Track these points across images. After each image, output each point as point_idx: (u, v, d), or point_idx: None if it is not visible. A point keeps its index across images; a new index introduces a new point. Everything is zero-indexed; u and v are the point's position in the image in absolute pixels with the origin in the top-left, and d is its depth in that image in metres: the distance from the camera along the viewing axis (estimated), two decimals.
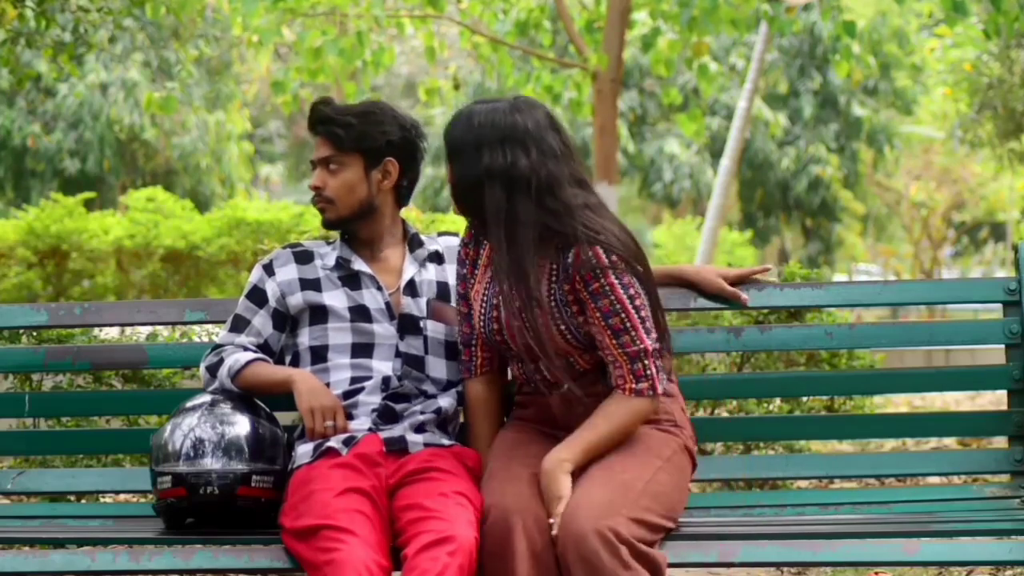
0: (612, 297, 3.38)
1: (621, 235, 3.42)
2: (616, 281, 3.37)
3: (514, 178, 3.38)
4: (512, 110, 3.43)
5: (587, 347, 3.46)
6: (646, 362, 3.40)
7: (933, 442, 7.95)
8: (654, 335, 3.41)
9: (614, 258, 3.37)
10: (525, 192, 3.38)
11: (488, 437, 3.60)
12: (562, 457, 3.36)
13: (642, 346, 3.39)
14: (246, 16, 11.76)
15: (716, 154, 24.63)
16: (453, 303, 3.73)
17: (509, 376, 3.68)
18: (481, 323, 3.54)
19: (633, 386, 3.41)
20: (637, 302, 3.39)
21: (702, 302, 3.87)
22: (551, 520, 3.28)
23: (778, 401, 5.17)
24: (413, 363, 3.66)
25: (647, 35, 12.71)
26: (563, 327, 3.43)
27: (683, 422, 3.58)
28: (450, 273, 3.77)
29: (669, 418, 3.54)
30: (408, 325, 3.68)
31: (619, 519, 3.23)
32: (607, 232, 3.39)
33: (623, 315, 3.38)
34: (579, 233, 3.37)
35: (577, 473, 3.37)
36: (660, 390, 3.43)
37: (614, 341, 3.39)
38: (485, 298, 3.54)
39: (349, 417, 3.58)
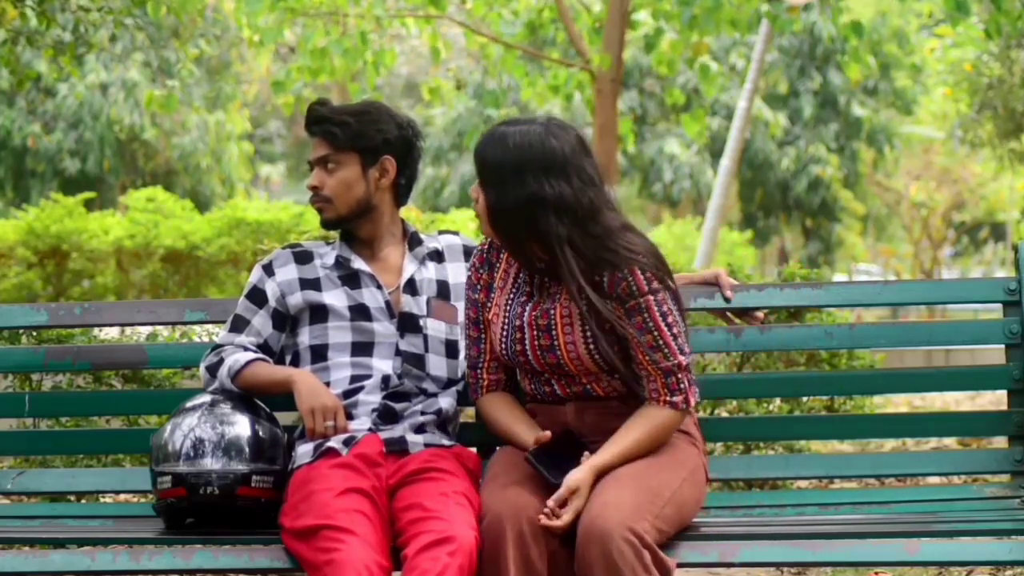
0: (647, 315, 3.41)
1: (654, 251, 3.46)
2: (652, 299, 3.41)
3: (562, 207, 3.38)
4: (547, 135, 3.41)
5: (611, 370, 3.47)
6: (679, 376, 3.44)
7: (933, 442, 7.94)
8: (687, 350, 3.47)
9: (649, 275, 3.41)
10: (572, 219, 3.38)
11: (527, 423, 3.55)
12: (595, 464, 3.36)
13: (675, 361, 3.43)
14: (250, 16, 11.74)
15: (716, 154, 24.60)
16: (453, 302, 3.74)
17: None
18: (503, 345, 3.53)
19: (667, 398, 3.45)
20: (670, 319, 3.43)
21: (701, 302, 3.87)
22: (545, 510, 3.28)
23: (778, 401, 5.17)
24: (413, 361, 3.66)
25: (649, 35, 12.68)
26: (594, 349, 3.45)
27: (700, 440, 3.62)
28: (450, 271, 3.77)
29: (688, 431, 3.58)
30: (408, 323, 3.68)
31: (645, 524, 3.24)
32: (645, 253, 3.43)
33: (656, 332, 3.41)
34: (621, 255, 3.39)
35: (605, 475, 3.37)
36: (693, 403, 3.48)
37: (648, 357, 3.42)
38: (507, 319, 3.54)
39: (349, 417, 3.58)
